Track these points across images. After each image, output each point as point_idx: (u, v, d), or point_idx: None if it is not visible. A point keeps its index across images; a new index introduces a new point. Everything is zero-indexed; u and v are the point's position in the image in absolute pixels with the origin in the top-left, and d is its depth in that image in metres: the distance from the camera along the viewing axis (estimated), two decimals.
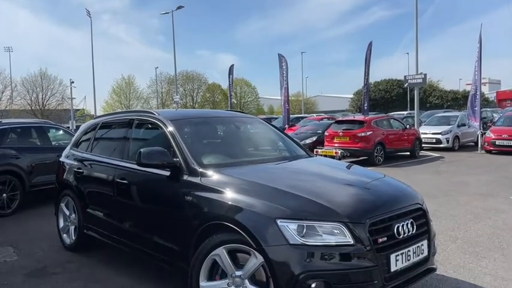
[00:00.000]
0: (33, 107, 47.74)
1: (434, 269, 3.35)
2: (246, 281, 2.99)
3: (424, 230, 3.24)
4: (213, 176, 3.42)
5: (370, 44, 18.79)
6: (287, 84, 22.44)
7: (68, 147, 5.50)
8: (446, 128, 17.10)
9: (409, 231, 3.06)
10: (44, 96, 49.65)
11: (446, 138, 16.69)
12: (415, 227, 3.12)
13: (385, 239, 2.91)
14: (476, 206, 6.97)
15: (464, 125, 17.50)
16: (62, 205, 5.18)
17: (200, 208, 3.28)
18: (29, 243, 5.38)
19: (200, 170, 3.49)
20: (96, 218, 4.54)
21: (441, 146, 16.65)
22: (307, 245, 2.75)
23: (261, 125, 4.85)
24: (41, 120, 9.31)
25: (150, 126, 4.31)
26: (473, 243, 5.03)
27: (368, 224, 2.85)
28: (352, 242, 2.78)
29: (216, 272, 3.15)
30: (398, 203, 3.21)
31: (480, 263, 4.39)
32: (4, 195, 7.00)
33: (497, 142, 15.10)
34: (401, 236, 2.99)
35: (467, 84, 50.86)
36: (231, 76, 28.30)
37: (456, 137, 16.99)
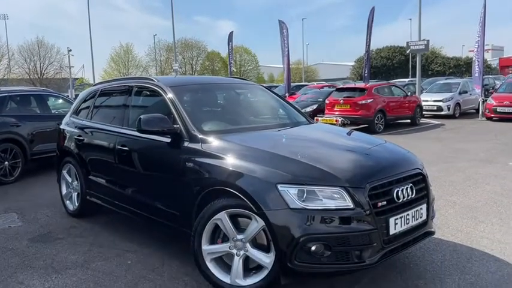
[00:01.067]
0: (31, 76, 47.44)
1: (432, 233, 3.41)
2: (248, 244, 3.05)
3: (423, 194, 3.27)
4: (214, 142, 3.43)
5: (373, 10, 18.41)
6: (288, 51, 22.09)
7: (68, 115, 5.49)
8: (447, 95, 16.99)
9: (408, 196, 3.08)
10: (41, 65, 49.24)
11: (447, 106, 16.62)
12: (414, 191, 3.15)
13: (385, 203, 2.94)
14: (476, 172, 7.01)
15: (465, 92, 17.40)
16: (64, 172, 5.22)
17: (201, 174, 3.30)
18: (33, 210, 5.45)
19: (201, 136, 3.49)
20: (98, 185, 4.58)
21: (442, 113, 16.60)
22: (307, 209, 2.79)
23: (262, 91, 4.81)
24: (40, 88, 9.26)
25: (149, 93, 4.28)
26: (472, 208, 5.08)
27: (368, 189, 2.87)
28: (351, 206, 2.81)
29: (217, 235, 3.21)
30: (398, 168, 3.22)
31: (478, 227, 4.45)
32: (6, 163, 7.05)
33: (498, 109, 15.05)
34: (400, 200, 3.02)
35: (470, 51, 50.18)
36: (230, 44, 27.82)
37: (457, 104, 16.92)
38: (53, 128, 7.41)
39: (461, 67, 45.46)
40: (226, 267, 3.18)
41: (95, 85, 5.28)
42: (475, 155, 8.58)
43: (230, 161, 3.17)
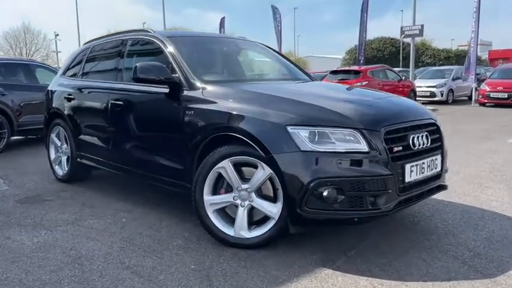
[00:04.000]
0: None
1: (445, 187, 3.24)
2: (253, 194, 2.85)
3: (438, 145, 3.10)
4: (215, 89, 3.22)
5: None
6: (281, 37, 21.87)
7: (57, 76, 5.21)
8: (441, 81, 16.95)
9: (424, 144, 2.91)
10: (28, 51, 48.14)
11: (440, 92, 16.58)
12: (429, 140, 2.97)
13: (400, 148, 2.76)
14: (475, 147, 6.89)
15: (459, 78, 17.36)
16: (53, 136, 4.95)
17: (203, 121, 3.08)
18: (20, 176, 5.19)
19: (201, 84, 3.27)
20: (91, 145, 4.33)
21: (435, 99, 16.56)
22: (320, 152, 2.59)
23: (264, 49, 4.58)
24: (27, 59, 8.90)
25: (145, 45, 4.02)
26: (476, 176, 4.95)
27: (383, 133, 2.68)
28: (366, 150, 2.62)
29: (220, 186, 3.00)
30: (414, 115, 3.05)
31: (485, 191, 4.31)
32: None
33: (491, 95, 15.02)
34: (416, 148, 2.84)
35: (459, 46, 50.38)
36: (222, 30, 27.50)
37: (450, 90, 16.89)
38: (40, 100, 7.12)
39: (452, 59, 45.54)
40: (230, 220, 2.98)
41: (86, 43, 5.00)
42: (473, 134, 8.48)
43: (234, 105, 2.96)
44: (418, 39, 29.05)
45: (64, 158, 4.82)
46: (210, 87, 3.24)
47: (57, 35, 42.50)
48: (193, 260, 2.73)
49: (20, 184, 4.81)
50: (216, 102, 3.06)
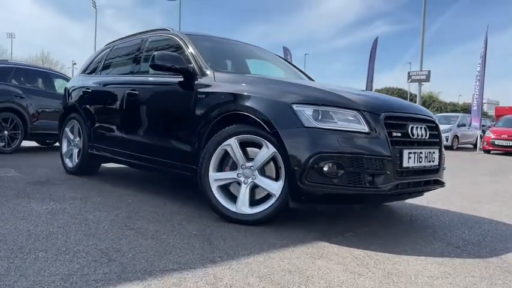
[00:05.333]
0: None
1: (443, 183, 3.35)
2: (256, 172, 2.98)
3: (436, 140, 3.24)
4: (226, 76, 3.44)
5: (376, 40, 18.82)
6: None
7: (76, 74, 5.47)
8: (446, 126, 17.11)
9: (422, 136, 3.05)
10: None
11: (445, 137, 16.70)
12: (428, 133, 3.12)
13: (399, 134, 2.90)
14: (478, 179, 7.00)
15: (464, 125, 17.57)
16: (67, 129, 5.14)
17: (214, 102, 3.26)
18: (30, 168, 5.35)
19: (214, 73, 3.48)
20: (104, 136, 4.50)
21: None
22: (322, 129, 2.74)
23: (276, 57, 4.84)
24: (47, 67, 9.25)
25: (164, 42, 4.26)
26: (477, 197, 5.03)
27: (383, 117, 2.84)
28: (367, 130, 2.77)
29: (226, 164, 3.14)
30: (414, 109, 3.23)
31: (484, 206, 4.39)
32: (6, 132, 6.95)
33: (496, 142, 15.14)
34: (414, 137, 2.98)
35: (465, 102, 51.11)
36: None
37: (455, 137, 17.05)
38: (56, 108, 7.40)
39: (458, 112, 46.08)
40: (233, 198, 3.09)
41: (108, 44, 5.29)
42: (477, 171, 8.59)
43: (243, 87, 3.15)
44: (425, 91, 29.67)
45: (75, 151, 4.98)
46: (221, 75, 3.46)
47: (75, 63, 43.78)
48: (195, 229, 2.83)
49: (31, 173, 4.96)
50: (227, 86, 3.25)
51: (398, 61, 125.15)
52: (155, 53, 3.58)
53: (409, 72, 17.73)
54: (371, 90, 19.84)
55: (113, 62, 4.92)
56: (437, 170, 3.22)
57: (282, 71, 4.61)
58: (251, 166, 2.99)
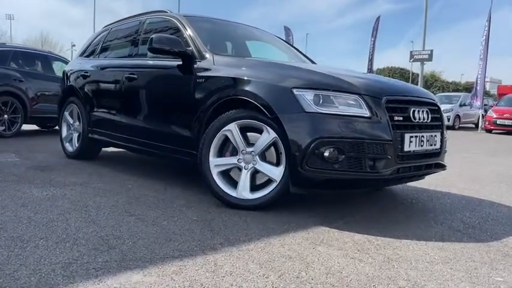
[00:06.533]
0: None
1: (444, 166, 3.33)
2: (257, 157, 2.96)
3: (438, 123, 3.21)
4: (225, 59, 3.39)
5: (378, 19, 18.59)
6: None
7: (75, 57, 5.41)
8: (448, 106, 17.06)
9: (424, 119, 3.02)
10: None
11: (447, 117, 16.63)
12: (429, 117, 3.08)
13: (401, 118, 2.87)
14: (480, 160, 6.98)
15: (465, 105, 17.48)
16: (66, 114, 5.11)
17: (213, 87, 3.22)
18: (31, 153, 5.34)
19: (213, 56, 3.43)
20: (103, 121, 4.47)
21: None
22: (323, 113, 2.71)
23: (277, 39, 4.77)
24: (46, 50, 9.16)
25: (162, 24, 4.19)
26: (476, 178, 5.02)
27: (385, 101, 2.80)
28: (368, 115, 2.73)
29: (226, 149, 3.12)
30: (415, 92, 3.19)
31: (485, 187, 4.38)
32: (5, 116, 6.93)
33: (498, 121, 15.11)
34: (416, 121, 2.95)
35: (468, 82, 50.68)
36: None
37: (457, 116, 17.00)
38: (55, 91, 7.35)
39: (461, 92, 45.79)
40: (233, 183, 3.08)
41: (105, 26, 5.21)
42: (478, 152, 8.57)
43: (243, 71, 3.11)
44: (427, 71, 29.42)
45: (75, 135, 4.96)
46: (220, 58, 3.40)
47: (74, 45, 43.37)
48: (195, 214, 2.83)
49: (31, 157, 4.95)
50: (227, 70, 3.21)
51: (401, 39, 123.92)
52: (153, 35, 3.52)
53: (411, 52, 17.56)
54: (371, 69, 19.72)
55: (111, 45, 4.85)
56: (438, 153, 3.20)
57: (282, 53, 4.55)
58: (252, 151, 2.97)
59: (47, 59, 8.12)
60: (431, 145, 3.07)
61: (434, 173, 3.31)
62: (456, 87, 47.85)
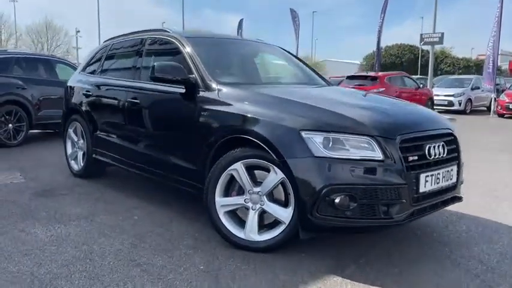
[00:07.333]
0: None
1: (460, 198, 3.20)
2: (265, 197, 2.85)
3: (454, 155, 3.06)
4: (231, 91, 3.23)
5: None
6: (298, 42, 22.06)
7: (77, 72, 5.29)
8: (459, 90, 16.73)
9: (440, 154, 2.87)
10: (49, 47, 49.06)
11: (458, 101, 16.36)
12: (446, 150, 2.93)
13: (416, 158, 2.72)
14: (494, 159, 6.81)
15: (477, 88, 17.12)
16: (70, 131, 5.02)
17: (218, 123, 3.10)
18: (36, 170, 5.27)
19: (217, 86, 3.28)
20: (106, 142, 4.38)
21: (453, 108, 16.34)
22: (333, 158, 2.57)
23: (281, 52, 4.58)
24: (48, 54, 9.04)
25: (163, 44, 4.05)
26: (494, 188, 4.87)
27: (399, 141, 2.66)
28: (381, 158, 2.59)
29: (232, 188, 3.01)
30: (431, 124, 3.02)
31: (501, 204, 4.25)
32: (10, 125, 6.87)
33: (511, 106, 14.76)
34: (432, 158, 2.80)
35: (479, 55, 49.63)
36: (240, 31, 27.59)
37: (469, 100, 16.66)
38: (59, 95, 7.24)
39: (471, 68, 44.95)
40: (240, 222, 2.99)
41: (106, 41, 5.06)
42: (490, 145, 8.37)
43: (249, 108, 2.96)
44: (437, 47, 28.75)
45: (80, 154, 4.88)
46: (225, 89, 3.25)
47: (78, 31, 43.07)
48: (203, 261, 2.74)
49: (36, 177, 4.89)
50: (231, 104, 3.07)
51: (410, 13, 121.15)
52: (155, 64, 3.38)
53: (421, 35, 17.12)
54: (379, 46, 19.30)
55: (112, 63, 4.71)
56: (455, 186, 3.06)
57: (291, 68, 4.38)
58: (259, 191, 2.86)
59: (49, 63, 7.99)
60: (447, 180, 2.94)
61: (450, 205, 3.18)
62: (467, 63, 46.98)
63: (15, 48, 46.07)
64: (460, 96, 16.40)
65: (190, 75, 3.41)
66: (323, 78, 4.37)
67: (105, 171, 4.99)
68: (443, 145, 2.92)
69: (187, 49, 3.64)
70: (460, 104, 16.32)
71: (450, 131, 3.12)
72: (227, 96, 3.16)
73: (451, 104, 16.41)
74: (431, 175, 2.78)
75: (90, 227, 3.32)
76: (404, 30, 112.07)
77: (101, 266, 2.64)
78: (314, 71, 4.50)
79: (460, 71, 44.98)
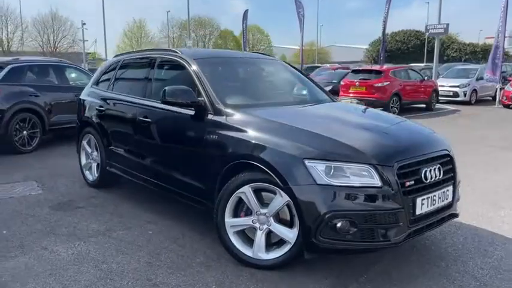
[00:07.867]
0: (44, 49, 47.39)
1: (456, 215, 3.38)
2: (271, 219, 3.05)
3: (450, 176, 3.23)
4: (238, 116, 3.40)
5: None
6: (303, 29, 22.09)
7: (88, 85, 5.48)
8: (464, 81, 16.73)
9: (436, 177, 3.05)
10: (55, 38, 49.23)
11: (464, 92, 16.38)
12: (441, 172, 3.11)
13: (413, 182, 2.90)
14: (495, 157, 6.94)
15: (483, 78, 17.08)
16: (84, 142, 5.23)
17: (226, 147, 3.29)
18: (52, 179, 5.51)
19: (225, 109, 3.46)
20: (119, 156, 4.59)
21: (458, 99, 16.38)
22: (335, 186, 2.76)
23: (285, 68, 4.75)
24: (57, 59, 9.24)
25: (173, 65, 4.23)
26: (492, 191, 5.04)
27: (396, 168, 2.84)
28: (379, 184, 2.78)
29: (241, 209, 3.21)
30: (427, 147, 3.18)
31: (498, 212, 4.41)
32: (24, 132, 7.10)
33: None
34: (428, 181, 2.98)
35: (486, 38, 49.09)
36: (245, 22, 27.56)
37: (474, 91, 16.67)
38: (71, 99, 7.48)
39: (478, 54, 44.58)
40: (249, 241, 3.19)
41: (116, 56, 5.24)
42: (494, 142, 8.48)
43: (256, 135, 3.15)
44: None
45: (94, 165, 5.10)
46: (233, 113, 3.43)
47: (84, 24, 43.00)
48: (214, 280, 2.96)
49: (53, 188, 5.13)
50: (239, 130, 3.26)
51: None
52: (166, 89, 3.58)
53: (426, 26, 17.08)
54: (385, 34, 19.24)
55: (123, 79, 4.90)
56: (451, 205, 3.24)
57: (293, 85, 4.55)
58: (266, 213, 3.06)
59: (60, 68, 8.19)
60: (443, 201, 3.12)
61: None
62: (474, 48, 46.56)
63: (22, 44, 46.33)
64: (465, 87, 16.42)
65: (200, 98, 3.60)
66: (325, 92, 4.53)
67: (118, 181, 5.20)
68: (439, 167, 3.09)
69: (195, 71, 3.81)
70: (465, 94, 16.35)
71: (447, 152, 3.29)
72: (235, 121, 3.35)
73: (456, 95, 16.44)
74: (428, 198, 2.97)
75: (108, 244, 3.55)
76: (411, 14, 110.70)
77: (121, 286, 2.87)
78: (317, 84, 4.66)
79: (467, 56, 44.64)
